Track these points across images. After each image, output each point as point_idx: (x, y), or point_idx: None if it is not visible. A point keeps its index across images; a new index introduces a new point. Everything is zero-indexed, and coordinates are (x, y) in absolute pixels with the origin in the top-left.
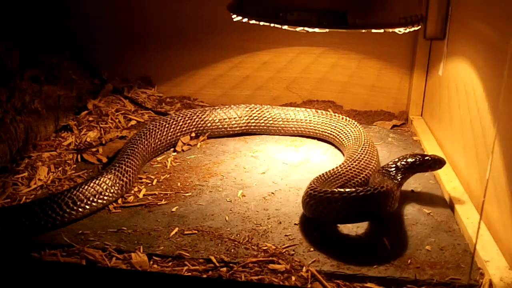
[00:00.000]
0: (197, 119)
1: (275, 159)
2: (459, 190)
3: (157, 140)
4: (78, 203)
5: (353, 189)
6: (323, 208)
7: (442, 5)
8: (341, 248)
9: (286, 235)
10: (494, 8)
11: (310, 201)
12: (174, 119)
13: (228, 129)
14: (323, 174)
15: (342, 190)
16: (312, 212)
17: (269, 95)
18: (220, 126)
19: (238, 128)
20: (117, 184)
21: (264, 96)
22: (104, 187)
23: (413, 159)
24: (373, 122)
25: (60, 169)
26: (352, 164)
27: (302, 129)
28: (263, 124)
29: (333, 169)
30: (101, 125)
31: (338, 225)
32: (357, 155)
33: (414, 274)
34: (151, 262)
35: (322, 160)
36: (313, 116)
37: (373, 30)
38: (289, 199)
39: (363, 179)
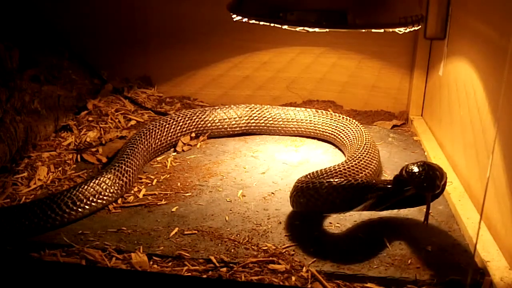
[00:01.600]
0: (197, 119)
1: (275, 159)
2: (459, 190)
3: (157, 140)
4: (78, 203)
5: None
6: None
7: (442, 5)
8: (341, 248)
9: (286, 235)
10: (494, 8)
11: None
12: (174, 119)
13: (228, 129)
14: (313, 172)
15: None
16: (300, 204)
17: (269, 95)
18: (220, 126)
19: (238, 128)
20: (117, 184)
21: (264, 96)
22: (104, 187)
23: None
24: (373, 122)
25: (60, 169)
26: (349, 164)
27: (302, 129)
28: (263, 124)
29: (328, 168)
30: (101, 125)
31: (338, 225)
32: (357, 155)
33: (414, 274)
34: (151, 262)
35: (322, 160)
36: (314, 116)
37: (373, 30)
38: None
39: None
